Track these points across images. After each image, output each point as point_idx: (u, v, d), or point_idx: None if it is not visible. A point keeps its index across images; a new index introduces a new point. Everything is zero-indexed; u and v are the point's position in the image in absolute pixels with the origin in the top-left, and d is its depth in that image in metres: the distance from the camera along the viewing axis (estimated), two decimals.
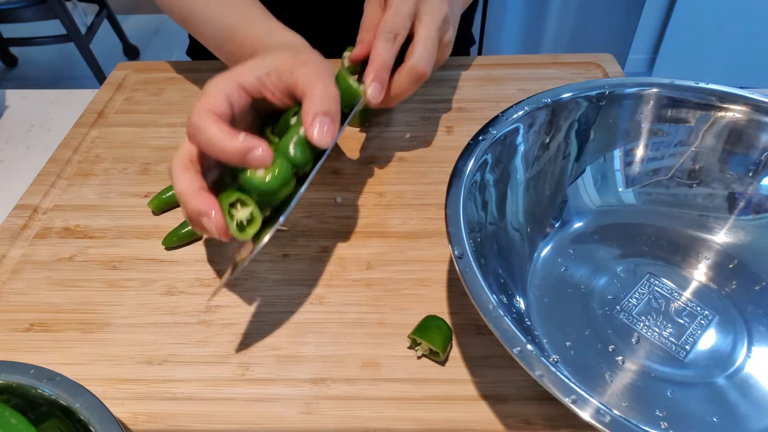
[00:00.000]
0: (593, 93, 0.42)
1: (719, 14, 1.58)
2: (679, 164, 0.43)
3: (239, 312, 0.37)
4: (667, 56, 1.73)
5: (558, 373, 0.26)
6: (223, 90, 0.33)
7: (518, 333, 0.27)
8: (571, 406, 0.25)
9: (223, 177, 0.36)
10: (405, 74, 0.41)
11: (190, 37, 0.73)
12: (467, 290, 0.29)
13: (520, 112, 0.40)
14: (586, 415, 0.24)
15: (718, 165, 0.42)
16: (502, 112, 0.39)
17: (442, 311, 0.37)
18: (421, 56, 0.41)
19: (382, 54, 0.40)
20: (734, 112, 0.40)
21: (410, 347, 0.35)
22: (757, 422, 0.31)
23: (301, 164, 0.34)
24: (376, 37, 0.41)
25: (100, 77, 1.85)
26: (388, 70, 0.40)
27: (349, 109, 0.40)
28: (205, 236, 0.42)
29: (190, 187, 0.32)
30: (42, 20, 1.69)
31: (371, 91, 0.39)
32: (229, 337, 0.36)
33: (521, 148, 0.40)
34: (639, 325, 0.36)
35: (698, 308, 0.37)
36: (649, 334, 0.35)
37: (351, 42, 0.45)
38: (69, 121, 0.55)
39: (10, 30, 1.91)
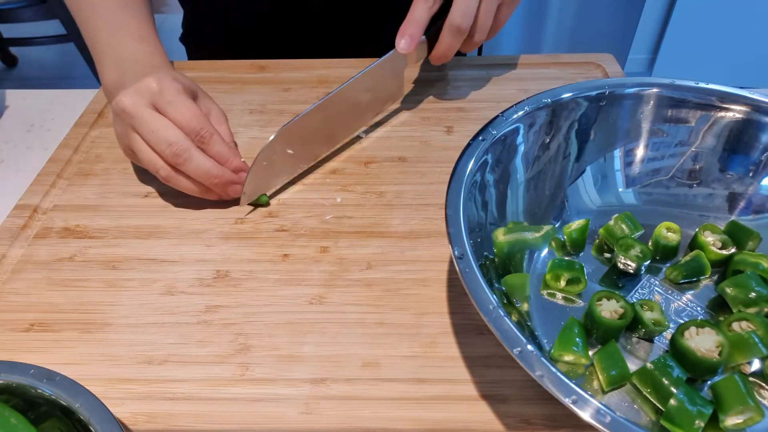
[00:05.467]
0: (593, 93, 0.42)
1: (719, 14, 1.58)
2: (680, 164, 0.43)
3: (239, 312, 0.37)
4: (667, 56, 1.73)
5: (558, 374, 0.26)
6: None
7: (518, 333, 0.27)
8: (572, 406, 0.25)
9: None
10: (444, 30, 0.46)
11: (183, 24, 0.72)
12: (467, 290, 0.29)
13: (520, 112, 0.40)
14: (586, 415, 0.24)
15: (718, 165, 0.42)
16: (502, 112, 0.39)
17: (442, 311, 0.37)
18: (457, 11, 0.45)
19: (416, 13, 0.45)
20: (734, 112, 0.40)
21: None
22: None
23: None
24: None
25: None
26: (420, 27, 0.45)
27: None
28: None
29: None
30: (42, 20, 1.68)
31: (402, 44, 0.45)
32: (229, 337, 0.36)
33: (521, 148, 0.40)
34: None
35: (698, 308, 0.37)
36: None
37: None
38: (69, 121, 0.55)
39: (10, 30, 1.90)
